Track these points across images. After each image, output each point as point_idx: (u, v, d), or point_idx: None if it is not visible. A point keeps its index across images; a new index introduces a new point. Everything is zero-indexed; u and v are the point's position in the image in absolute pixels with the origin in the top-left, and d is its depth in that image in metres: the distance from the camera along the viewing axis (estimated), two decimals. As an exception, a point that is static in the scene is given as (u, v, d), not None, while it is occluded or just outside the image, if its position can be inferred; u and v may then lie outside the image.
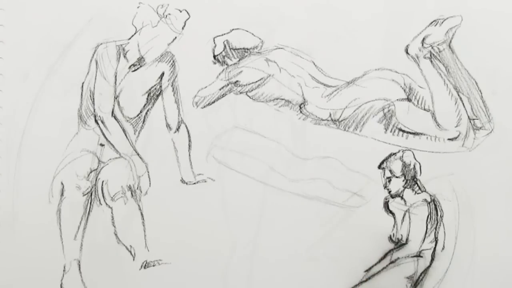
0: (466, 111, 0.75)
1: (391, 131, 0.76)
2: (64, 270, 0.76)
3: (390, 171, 0.75)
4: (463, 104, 0.75)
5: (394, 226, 0.75)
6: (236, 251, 0.75)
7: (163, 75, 0.77)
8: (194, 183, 0.76)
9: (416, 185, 0.75)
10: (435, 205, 0.75)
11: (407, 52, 0.76)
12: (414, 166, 0.75)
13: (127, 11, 0.77)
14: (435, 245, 0.74)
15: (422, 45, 0.76)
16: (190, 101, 0.77)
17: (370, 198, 0.75)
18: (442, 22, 0.76)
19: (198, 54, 0.77)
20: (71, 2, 0.77)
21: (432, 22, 0.76)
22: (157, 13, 0.77)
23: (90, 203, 0.77)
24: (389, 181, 0.75)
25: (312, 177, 0.75)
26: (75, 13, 0.77)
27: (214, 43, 0.77)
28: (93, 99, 0.77)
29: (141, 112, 0.77)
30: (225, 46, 0.77)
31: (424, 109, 0.75)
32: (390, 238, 0.75)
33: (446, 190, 0.75)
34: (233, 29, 0.77)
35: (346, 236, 0.72)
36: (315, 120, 0.76)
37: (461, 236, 0.74)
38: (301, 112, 0.76)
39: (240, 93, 0.77)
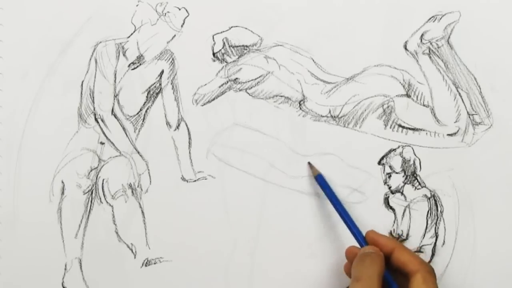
0: (465, 106, 0.75)
1: (390, 127, 0.76)
2: (65, 269, 0.76)
3: (390, 167, 0.75)
4: (462, 99, 0.75)
5: (394, 222, 0.75)
6: (237, 248, 0.75)
7: (162, 73, 0.77)
8: (195, 181, 0.76)
9: (416, 180, 0.75)
10: (435, 200, 0.75)
11: (405, 48, 0.76)
12: (414, 161, 0.75)
13: (126, 9, 0.77)
14: (436, 240, 0.75)
15: (421, 41, 0.76)
16: (189, 98, 0.77)
17: (370, 194, 0.75)
18: (441, 18, 0.76)
19: (197, 51, 0.77)
20: (70, 0, 0.77)
21: (430, 18, 0.76)
22: (156, 11, 0.77)
23: (91, 201, 0.77)
24: (389, 177, 0.75)
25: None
26: (74, 11, 0.77)
27: (213, 40, 0.77)
28: (93, 97, 0.77)
29: (141, 110, 0.77)
30: (224, 43, 0.77)
31: (423, 105, 0.76)
32: (390, 233, 0.75)
33: (446, 185, 0.75)
34: (232, 27, 0.77)
35: (347, 232, 0.72)
36: (315, 117, 0.76)
37: (461, 231, 0.74)
38: (300, 109, 0.76)
39: (240, 90, 0.77)
